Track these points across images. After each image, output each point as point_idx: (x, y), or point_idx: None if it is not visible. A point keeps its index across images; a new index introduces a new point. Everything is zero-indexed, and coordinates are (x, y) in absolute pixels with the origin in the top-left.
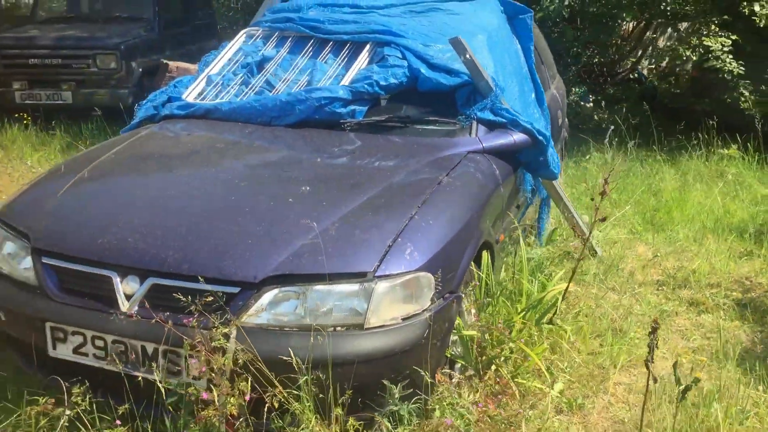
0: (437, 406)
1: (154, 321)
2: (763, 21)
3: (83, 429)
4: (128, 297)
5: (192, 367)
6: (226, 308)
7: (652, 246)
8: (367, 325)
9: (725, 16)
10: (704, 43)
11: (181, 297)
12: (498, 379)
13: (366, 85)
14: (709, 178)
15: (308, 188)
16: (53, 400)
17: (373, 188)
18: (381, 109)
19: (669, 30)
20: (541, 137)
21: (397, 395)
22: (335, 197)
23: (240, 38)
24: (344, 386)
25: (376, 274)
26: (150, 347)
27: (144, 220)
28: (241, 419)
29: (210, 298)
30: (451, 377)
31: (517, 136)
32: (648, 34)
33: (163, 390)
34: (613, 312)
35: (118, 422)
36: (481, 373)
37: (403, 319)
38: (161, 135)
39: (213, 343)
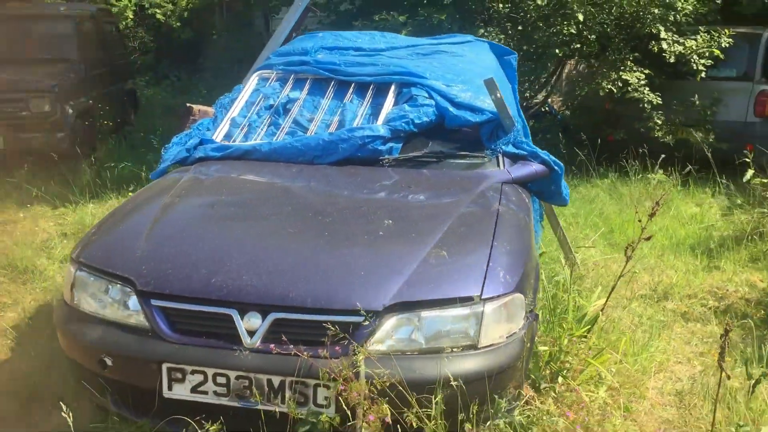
0: (533, 418)
1: (277, 354)
2: (673, 57)
3: None
4: (249, 333)
5: (321, 395)
6: (350, 338)
7: (621, 265)
8: (479, 345)
9: (636, 54)
10: (622, 77)
11: (303, 330)
12: (568, 391)
13: (403, 123)
14: (641, 202)
15: (391, 221)
16: None
17: (447, 219)
18: (409, 146)
19: (582, 66)
20: (557, 167)
21: (503, 409)
22: (419, 229)
23: (254, 81)
24: (467, 403)
25: (483, 297)
26: (276, 380)
27: (251, 257)
28: None
29: (334, 329)
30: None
31: (537, 167)
32: (565, 69)
33: (292, 419)
34: (623, 324)
35: None
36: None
37: (507, 338)
38: (211, 177)
39: (343, 372)
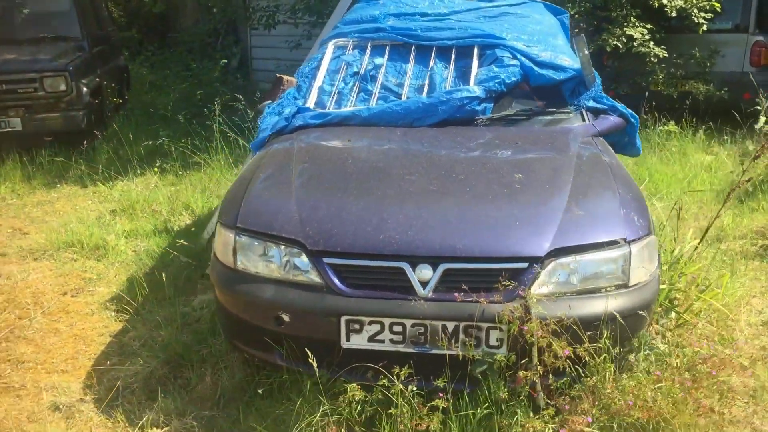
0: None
1: (449, 301)
2: (674, 12)
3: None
4: (422, 284)
5: (494, 337)
6: (517, 283)
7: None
8: (629, 284)
9: (637, 9)
10: (627, 33)
11: (470, 278)
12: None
13: (496, 84)
14: (656, 151)
15: (521, 175)
16: (359, 387)
17: (568, 171)
18: (497, 105)
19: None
20: (633, 120)
21: (652, 340)
22: (549, 181)
23: (330, 49)
24: (627, 337)
25: (627, 240)
26: (451, 325)
27: (412, 213)
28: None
29: (504, 276)
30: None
31: (616, 119)
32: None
33: (469, 360)
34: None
35: (441, 395)
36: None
37: (649, 276)
38: (327, 142)
39: (516, 314)
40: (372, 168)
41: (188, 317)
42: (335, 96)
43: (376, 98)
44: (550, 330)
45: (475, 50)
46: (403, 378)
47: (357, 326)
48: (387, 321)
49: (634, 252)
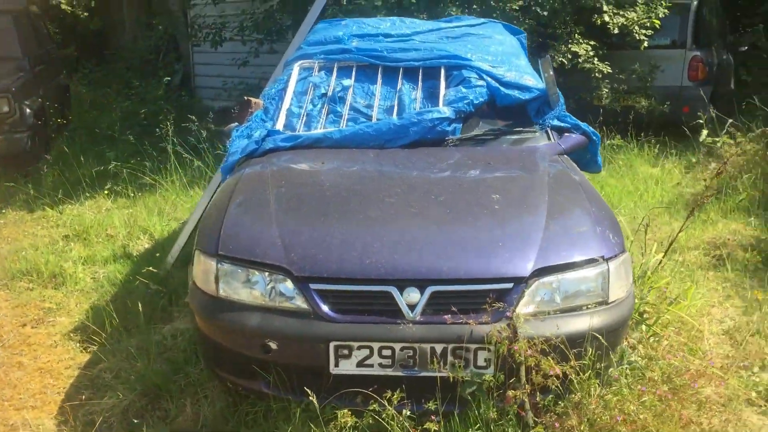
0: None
1: (437, 324)
2: (616, 29)
3: None
4: (410, 306)
5: (482, 358)
6: (502, 304)
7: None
8: (609, 301)
9: (581, 27)
10: (572, 49)
11: (457, 300)
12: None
13: (465, 105)
14: (605, 165)
15: (498, 196)
16: (350, 413)
17: (542, 189)
18: (465, 125)
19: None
20: (595, 137)
21: (627, 356)
22: (524, 201)
23: (296, 71)
24: (606, 353)
25: (605, 258)
26: (439, 348)
27: (397, 236)
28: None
29: (491, 297)
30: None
31: (579, 138)
32: None
33: (462, 381)
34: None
35: (432, 417)
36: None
37: (626, 292)
38: (300, 165)
39: (504, 334)
40: (350, 191)
41: (161, 346)
42: (304, 118)
43: (345, 120)
44: (538, 349)
45: (442, 71)
46: (396, 402)
47: (346, 351)
48: (376, 345)
49: (612, 269)
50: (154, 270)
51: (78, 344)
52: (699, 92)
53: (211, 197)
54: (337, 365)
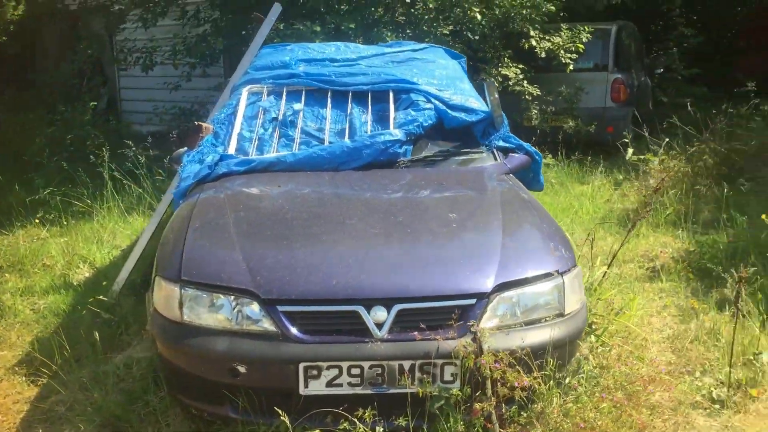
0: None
1: (403, 341)
2: (543, 53)
3: None
4: (377, 325)
5: (448, 373)
6: (466, 319)
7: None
8: (565, 313)
9: (509, 51)
10: (502, 72)
11: (422, 317)
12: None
13: (415, 127)
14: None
15: (455, 215)
16: None
17: (495, 208)
18: (415, 147)
19: None
20: (537, 157)
21: (582, 365)
22: (480, 219)
23: (245, 95)
24: (564, 363)
25: (560, 272)
26: (407, 364)
27: (360, 256)
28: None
29: (456, 314)
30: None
31: (523, 157)
32: None
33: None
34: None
35: None
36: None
37: (580, 305)
38: (258, 189)
39: (469, 349)
40: (310, 213)
41: (115, 376)
42: (256, 142)
43: (298, 143)
44: (505, 362)
45: (391, 95)
46: (369, 420)
47: (315, 372)
48: (345, 365)
49: (567, 283)
50: (103, 298)
51: (24, 377)
52: (621, 113)
53: (159, 223)
54: (306, 386)
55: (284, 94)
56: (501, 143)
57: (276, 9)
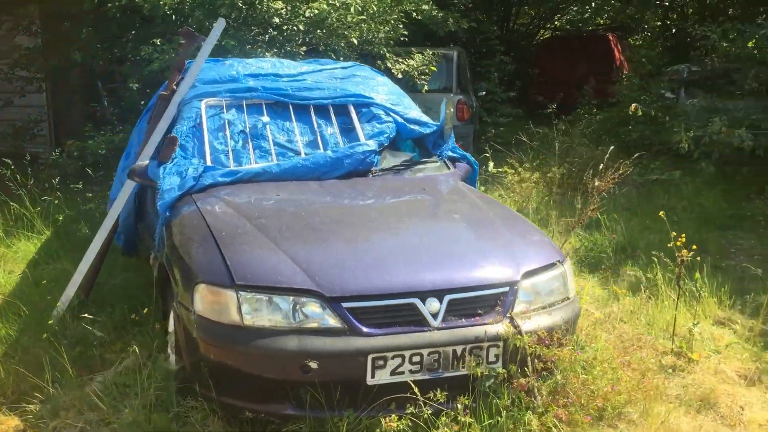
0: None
1: (456, 328)
2: (399, 74)
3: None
4: (432, 315)
5: (492, 354)
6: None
7: None
8: (570, 297)
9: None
10: None
11: (467, 305)
12: None
13: (384, 138)
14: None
15: (458, 215)
16: (396, 417)
17: (485, 208)
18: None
19: None
20: (475, 166)
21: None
22: (478, 218)
23: (203, 109)
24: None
25: (561, 261)
26: (459, 349)
27: (407, 254)
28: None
29: (499, 300)
30: None
31: (466, 166)
32: None
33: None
34: None
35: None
36: None
37: (575, 290)
38: (263, 198)
39: (509, 331)
40: (329, 218)
41: (117, 392)
42: (231, 154)
43: (275, 155)
44: (538, 341)
45: (352, 109)
46: (443, 400)
47: (381, 362)
48: (408, 353)
49: (567, 271)
50: (50, 321)
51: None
52: (466, 130)
53: (108, 238)
54: (373, 376)
55: (245, 107)
56: (450, 153)
57: (220, 24)
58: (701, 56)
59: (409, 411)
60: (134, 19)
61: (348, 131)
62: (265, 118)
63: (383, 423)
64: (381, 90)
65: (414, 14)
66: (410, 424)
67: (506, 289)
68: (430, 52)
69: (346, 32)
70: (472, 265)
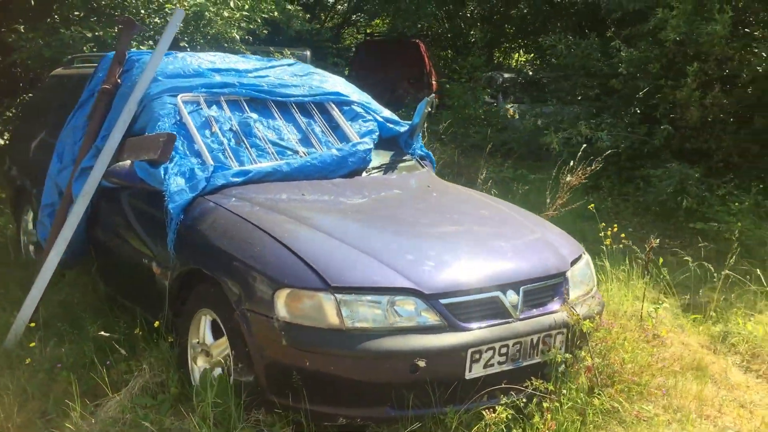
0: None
1: (535, 318)
2: None
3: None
4: (513, 307)
5: (558, 340)
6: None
7: None
8: (595, 285)
9: None
10: None
11: (536, 295)
12: None
13: (375, 137)
14: None
15: (486, 212)
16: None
17: (495, 204)
18: None
19: None
20: (434, 165)
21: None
22: (502, 213)
23: (181, 105)
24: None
25: (583, 254)
26: (536, 338)
27: (482, 250)
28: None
29: (564, 288)
30: None
31: (429, 164)
32: None
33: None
34: None
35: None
36: None
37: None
38: (293, 197)
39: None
40: (381, 217)
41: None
42: (230, 153)
43: (274, 154)
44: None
45: (334, 107)
46: (541, 388)
47: (477, 356)
48: (497, 345)
49: (590, 261)
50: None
51: None
52: None
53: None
54: (470, 370)
55: (224, 103)
56: (418, 152)
57: (179, 13)
58: (508, 65)
59: (503, 402)
60: None
61: (334, 129)
62: (253, 115)
63: (485, 415)
64: (348, 89)
65: (275, 13)
66: (510, 415)
67: (562, 278)
68: (289, 52)
69: (223, 28)
70: (537, 257)
